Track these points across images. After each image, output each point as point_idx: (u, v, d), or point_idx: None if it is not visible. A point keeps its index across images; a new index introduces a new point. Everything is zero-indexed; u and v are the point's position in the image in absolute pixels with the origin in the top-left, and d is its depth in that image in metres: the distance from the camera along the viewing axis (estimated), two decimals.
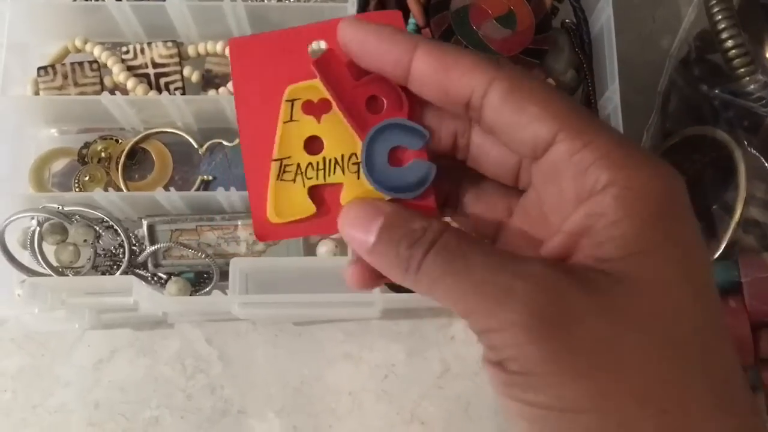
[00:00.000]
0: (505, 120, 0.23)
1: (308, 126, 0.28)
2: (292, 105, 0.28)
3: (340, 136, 0.28)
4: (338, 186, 0.27)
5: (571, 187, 0.22)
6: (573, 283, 0.21)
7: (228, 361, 0.57)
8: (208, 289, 0.51)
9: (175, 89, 0.53)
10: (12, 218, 0.48)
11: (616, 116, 0.50)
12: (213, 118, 0.52)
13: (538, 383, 0.20)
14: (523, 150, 0.23)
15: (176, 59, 0.54)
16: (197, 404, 0.56)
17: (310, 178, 0.27)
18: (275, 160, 0.28)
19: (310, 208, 0.27)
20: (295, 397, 0.57)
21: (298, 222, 0.27)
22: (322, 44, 0.28)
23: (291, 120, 0.28)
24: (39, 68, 0.52)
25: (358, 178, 0.27)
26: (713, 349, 0.21)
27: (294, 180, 0.27)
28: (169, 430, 0.56)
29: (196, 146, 0.53)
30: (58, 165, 0.55)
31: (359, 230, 0.24)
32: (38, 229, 0.48)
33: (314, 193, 0.27)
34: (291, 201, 0.27)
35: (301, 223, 0.27)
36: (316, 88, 0.28)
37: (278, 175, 0.27)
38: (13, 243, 0.51)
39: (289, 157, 0.28)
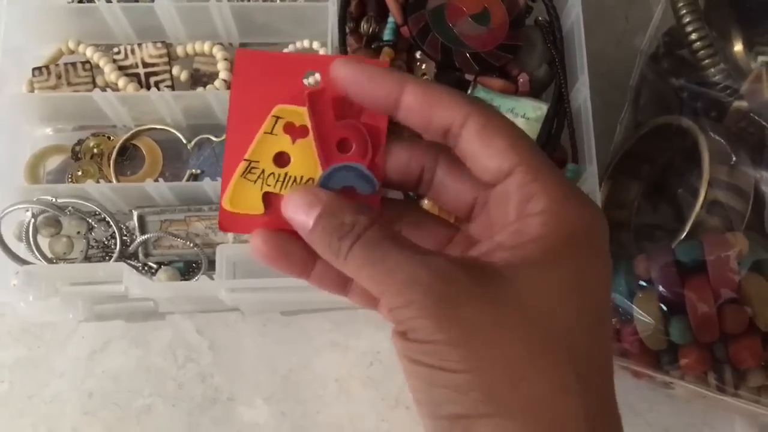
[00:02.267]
0: (476, 149, 0.28)
1: (283, 142, 0.32)
2: (276, 121, 0.33)
3: (306, 161, 0.32)
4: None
5: (514, 211, 0.28)
6: (467, 273, 0.26)
7: (218, 351, 0.59)
8: (197, 278, 0.53)
9: (165, 87, 0.56)
10: (7, 210, 0.50)
11: (586, 107, 0.52)
12: (201, 114, 0.55)
13: (429, 349, 0.26)
14: (485, 176, 0.29)
15: (165, 59, 0.56)
16: (188, 392, 0.58)
17: (269, 185, 0.32)
18: (245, 159, 0.32)
19: (259, 207, 0.31)
20: (284, 384, 0.59)
21: (248, 218, 0.31)
22: (317, 75, 0.32)
23: (271, 132, 0.33)
24: (34, 69, 0.55)
25: None
26: (582, 344, 0.26)
27: (255, 181, 0.32)
28: (161, 418, 0.57)
29: (185, 142, 0.56)
30: (53, 163, 0.58)
31: (300, 214, 0.29)
32: (33, 221, 0.50)
33: (267, 198, 0.31)
34: (246, 197, 0.31)
35: (251, 220, 0.31)
36: (300, 114, 0.32)
37: (243, 172, 0.32)
38: (8, 236, 0.53)
39: (257, 162, 0.32)
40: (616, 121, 0.61)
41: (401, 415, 0.58)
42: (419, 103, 0.28)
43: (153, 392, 0.58)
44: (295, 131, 0.33)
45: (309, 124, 0.32)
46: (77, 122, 0.56)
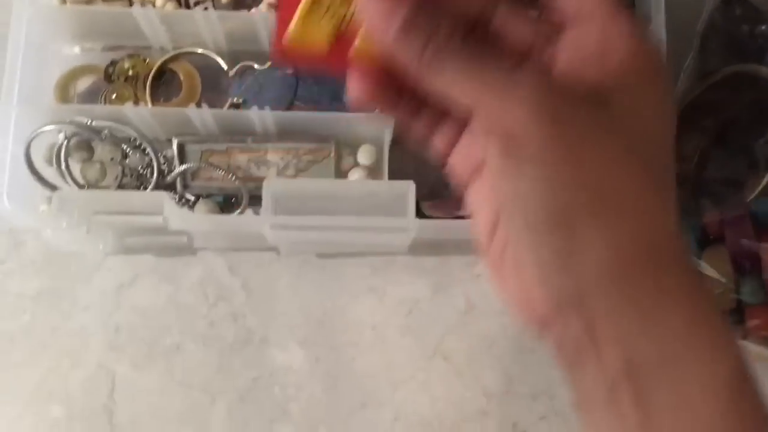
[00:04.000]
0: None
1: None
2: None
3: None
4: (354, 39, 0.28)
5: (597, 35, 0.25)
6: (571, 89, 0.25)
7: (250, 291, 0.57)
8: (236, 213, 0.50)
9: (204, 9, 0.52)
10: (39, 130, 0.46)
11: (661, 50, 0.49)
12: (244, 39, 0.51)
13: (533, 157, 0.24)
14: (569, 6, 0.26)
15: None
16: (219, 332, 0.56)
17: (335, 22, 0.28)
18: None
19: (323, 44, 0.28)
20: (318, 328, 0.56)
21: (307, 55, 0.28)
22: None
23: None
24: None
25: None
26: (666, 167, 0.25)
27: (322, 16, 0.28)
28: (190, 357, 0.55)
29: (225, 68, 0.52)
30: (83, 84, 0.54)
31: (382, 20, 0.25)
32: (66, 143, 0.47)
33: (332, 37, 0.28)
34: (311, 32, 0.28)
35: (310, 57, 0.28)
36: None
37: (308, 10, 0.28)
38: (37, 158, 0.49)
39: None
40: (677, 68, 0.58)
41: (439, 366, 0.56)
42: None
43: (182, 330, 0.56)
44: None
45: None
46: (111, 41, 0.53)
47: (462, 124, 0.28)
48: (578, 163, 0.24)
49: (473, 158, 0.28)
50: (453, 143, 0.29)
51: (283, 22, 0.28)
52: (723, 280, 0.44)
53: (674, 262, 0.25)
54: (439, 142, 0.29)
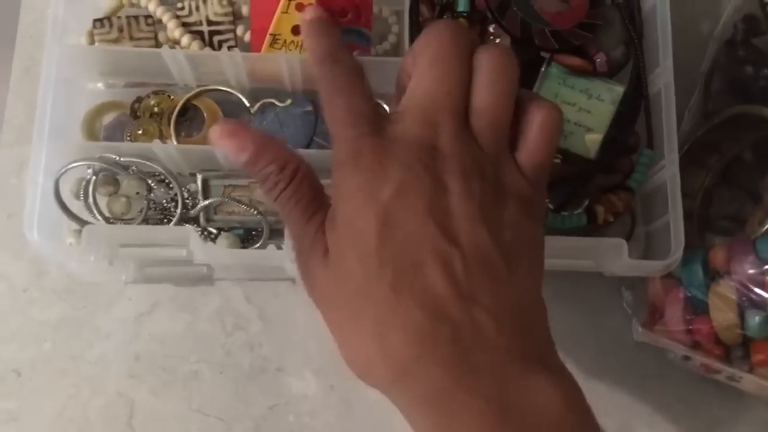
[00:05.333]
0: None
1: (296, 18, 0.48)
2: (289, 3, 0.48)
3: None
4: None
5: None
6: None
7: (267, 320, 0.58)
8: (257, 245, 0.52)
9: (228, 48, 0.54)
10: (69, 166, 0.48)
11: (669, 92, 0.51)
12: (267, 78, 0.53)
13: None
14: None
15: (230, 18, 0.54)
16: (236, 360, 0.57)
17: (290, 50, 0.49)
18: (270, 34, 0.49)
19: None
20: (333, 358, 0.57)
21: None
22: None
23: (286, 12, 0.48)
24: (95, 20, 0.52)
25: None
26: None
27: (280, 49, 0.49)
28: (208, 385, 0.56)
29: (248, 105, 0.54)
30: (107, 119, 0.56)
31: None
32: (94, 178, 0.49)
33: None
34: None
35: None
36: None
37: (271, 43, 0.49)
38: (64, 192, 0.51)
39: (279, 34, 0.49)
40: (678, 106, 0.60)
41: None
42: None
43: (200, 358, 0.57)
44: (304, 8, 0.45)
45: (314, 1, 0.44)
46: (137, 78, 0.54)
47: None
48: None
49: None
50: None
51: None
52: (729, 314, 0.46)
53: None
54: None
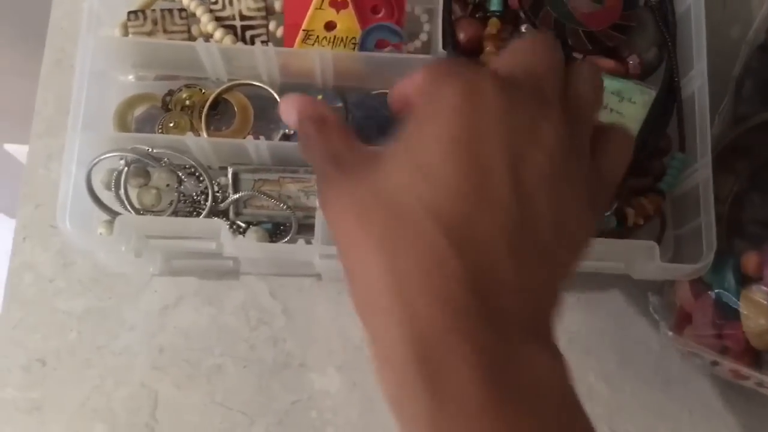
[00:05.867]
0: None
1: (329, 14, 0.49)
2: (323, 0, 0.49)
3: (348, 25, 0.49)
4: None
5: None
6: (340, 168, 0.31)
7: (291, 315, 0.58)
8: (285, 240, 0.52)
9: (261, 43, 0.54)
10: (102, 157, 0.48)
11: (703, 95, 0.51)
12: (299, 73, 0.53)
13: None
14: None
15: (263, 13, 0.54)
16: (260, 355, 0.57)
17: (322, 46, 0.50)
18: (303, 30, 0.50)
19: None
20: (356, 354, 0.58)
21: None
22: None
23: (320, 8, 0.49)
24: (129, 12, 0.53)
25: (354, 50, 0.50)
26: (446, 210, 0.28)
27: (312, 45, 0.50)
28: (231, 379, 0.56)
29: (278, 99, 0.54)
30: (138, 111, 0.56)
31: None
32: (126, 169, 0.49)
33: None
34: None
35: None
36: None
37: (303, 39, 0.50)
38: (95, 183, 0.51)
39: (312, 30, 0.50)
40: (711, 110, 0.60)
41: None
42: None
43: (224, 352, 0.57)
44: (338, 4, 0.49)
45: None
46: (169, 71, 0.55)
47: None
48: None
49: None
50: None
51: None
52: (761, 320, 0.45)
53: None
54: None
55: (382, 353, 0.27)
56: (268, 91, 0.54)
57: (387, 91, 0.35)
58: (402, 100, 0.30)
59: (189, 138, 0.48)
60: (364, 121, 0.54)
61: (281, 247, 0.50)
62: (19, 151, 1.18)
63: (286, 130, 0.53)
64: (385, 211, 0.26)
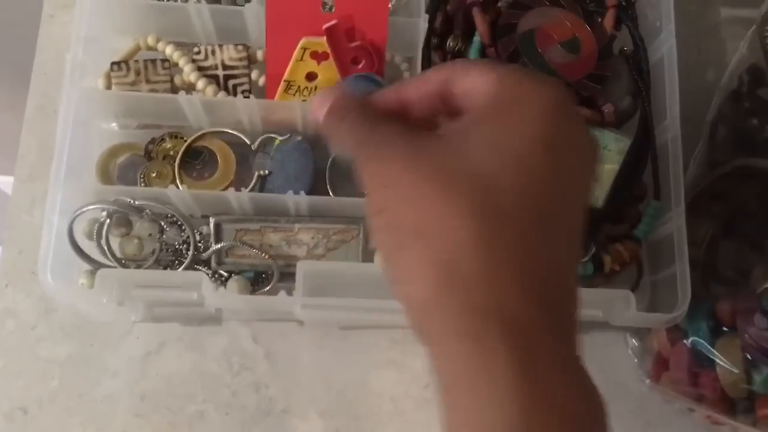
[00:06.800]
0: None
1: (310, 65, 0.50)
2: (304, 51, 0.49)
3: (329, 75, 0.50)
4: None
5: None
6: (405, 140, 0.30)
7: (274, 361, 0.58)
8: (267, 288, 0.52)
9: (243, 92, 0.55)
10: (84, 209, 0.49)
11: (676, 146, 0.52)
12: (281, 123, 0.54)
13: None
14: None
15: (245, 62, 0.55)
16: (242, 401, 0.57)
17: (304, 97, 0.51)
18: (284, 80, 0.51)
19: None
20: (339, 399, 0.58)
21: None
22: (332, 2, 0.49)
23: (301, 60, 0.50)
24: (113, 63, 0.53)
25: None
26: (501, 187, 0.28)
27: (294, 95, 0.51)
28: (213, 426, 0.56)
29: (248, 143, 0.54)
30: (120, 158, 0.56)
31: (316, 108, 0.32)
32: (108, 221, 0.49)
33: None
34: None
35: None
36: (321, 44, 0.49)
37: (285, 89, 0.51)
38: (77, 232, 0.51)
39: (294, 81, 0.51)
40: (686, 154, 0.61)
41: None
42: None
43: (206, 399, 0.57)
44: (318, 56, 0.49)
45: (329, 50, 0.48)
46: (152, 120, 0.55)
47: None
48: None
49: None
50: None
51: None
52: (735, 370, 0.46)
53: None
54: None
55: (449, 316, 0.27)
56: (239, 136, 0.54)
57: None
58: (440, 92, 0.31)
59: (171, 190, 0.48)
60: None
61: (262, 299, 0.50)
62: (3, 181, 1.17)
63: (261, 172, 0.54)
64: (481, 189, 0.27)
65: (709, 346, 0.47)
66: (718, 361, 0.47)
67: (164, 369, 0.58)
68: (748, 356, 0.46)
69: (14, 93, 0.75)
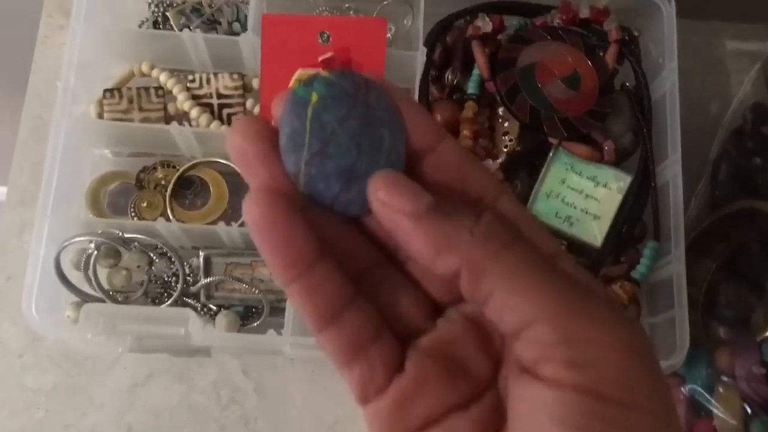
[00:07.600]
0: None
1: None
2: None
3: None
4: None
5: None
6: None
7: (263, 394, 0.57)
8: (256, 324, 0.51)
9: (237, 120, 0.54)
10: (72, 241, 0.48)
11: (677, 186, 0.51)
12: None
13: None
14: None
15: (240, 91, 0.54)
16: None
17: None
18: None
19: None
20: None
21: None
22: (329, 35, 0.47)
23: None
24: (105, 90, 0.52)
25: None
26: None
27: None
28: None
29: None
30: (111, 186, 0.55)
31: (406, 201, 0.22)
32: (95, 252, 0.48)
33: None
34: None
35: None
36: None
37: None
38: (64, 262, 0.50)
39: None
40: (685, 190, 0.59)
41: None
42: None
43: None
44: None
45: None
46: (144, 149, 0.54)
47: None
48: None
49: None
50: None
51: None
52: (733, 421, 0.45)
53: None
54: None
55: None
56: (231, 166, 0.54)
57: None
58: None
59: (160, 223, 0.47)
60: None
61: (250, 337, 0.49)
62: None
63: None
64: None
65: (707, 395, 0.46)
66: (716, 411, 0.46)
67: (151, 401, 0.56)
68: (747, 407, 0.45)
69: (12, 105, 0.74)
